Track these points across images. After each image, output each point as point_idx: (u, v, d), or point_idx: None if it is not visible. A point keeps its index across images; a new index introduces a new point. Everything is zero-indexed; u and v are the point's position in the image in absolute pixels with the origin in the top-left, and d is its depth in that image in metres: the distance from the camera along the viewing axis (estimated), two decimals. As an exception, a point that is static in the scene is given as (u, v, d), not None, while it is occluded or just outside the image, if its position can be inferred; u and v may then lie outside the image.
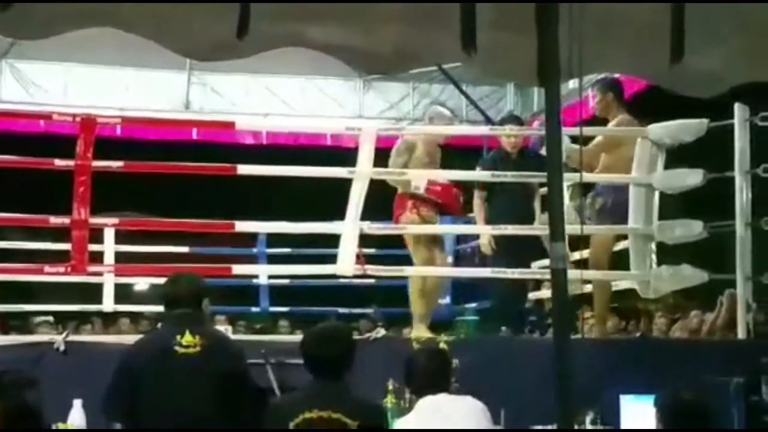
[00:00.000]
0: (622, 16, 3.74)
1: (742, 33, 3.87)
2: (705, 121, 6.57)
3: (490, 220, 7.26)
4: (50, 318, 9.02)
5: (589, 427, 5.39)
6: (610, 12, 3.71)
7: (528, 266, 7.04)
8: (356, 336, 6.20)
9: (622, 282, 7.03)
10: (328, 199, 6.65)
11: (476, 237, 8.87)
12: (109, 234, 7.93)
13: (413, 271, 6.89)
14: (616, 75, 6.95)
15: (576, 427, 4.56)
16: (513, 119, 7.94)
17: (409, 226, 6.84)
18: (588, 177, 6.64)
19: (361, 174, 6.35)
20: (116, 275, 7.75)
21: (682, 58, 3.67)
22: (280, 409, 3.94)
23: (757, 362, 4.99)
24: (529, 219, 7.22)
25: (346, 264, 6.29)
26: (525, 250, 6.96)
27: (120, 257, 8.09)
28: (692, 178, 6.58)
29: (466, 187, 7.37)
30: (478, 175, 7.20)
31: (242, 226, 6.61)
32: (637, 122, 6.93)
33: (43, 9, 3.39)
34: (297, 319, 9.88)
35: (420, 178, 6.82)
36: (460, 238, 9.34)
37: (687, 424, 3.69)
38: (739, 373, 5.58)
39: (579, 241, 6.56)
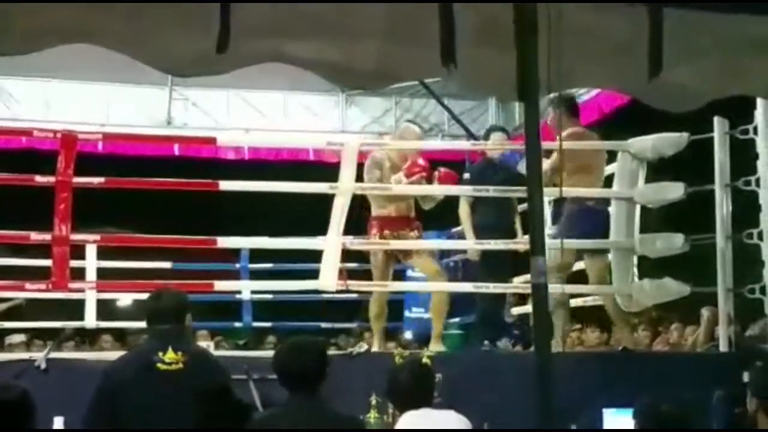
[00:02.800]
0: (600, 31, 3.78)
1: (719, 48, 3.91)
2: (685, 134, 6.60)
3: (474, 227, 7.29)
4: (23, 337, 8.99)
5: (572, 440, 5.41)
6: (588, 28, 3.74)
7: (510, 279, 7.08)
8: (337, 351, 6.23)
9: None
10: (311, 214, 6.65)
11: (459, 251, 8.90)
12: (90, 250, 7.90)
13: (395, 286, 6.89)
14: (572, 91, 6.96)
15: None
16: (500, 129, 7.96)
17: (392, 242, 6.86)
18: (568, 191, 6.66)
19: (344, 189, 6.36)
20: (98, 291, 7.71)
21: (661, 73, 3.71)
22: (259, 428, 3.92)
23: (739, 375, 5.01)
24: (512, 229, 7.28)
25: (328, 279, 6.29)
26: (506, 263, 7.00)
27: (102, 273, 8.06)
28: (673, 191, 6.61)
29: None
30: (461, 189, 7.22)
31: (224, 241, 6.61)
32: (591, 133, 6.98)
33: (23, 25, 3.39)
34: (283, 335, 9.86)
35: (405, 189, 6.82)
36: (443, 253, 9.34)
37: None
38: (720, 386, 5.60)
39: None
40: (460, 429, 4.24)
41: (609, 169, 7.04)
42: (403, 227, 6.90)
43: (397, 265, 8.22)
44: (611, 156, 7.01)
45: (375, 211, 6.91)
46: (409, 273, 9.38)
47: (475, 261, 7.33)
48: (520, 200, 7.09)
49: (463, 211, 7.40)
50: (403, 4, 3.57)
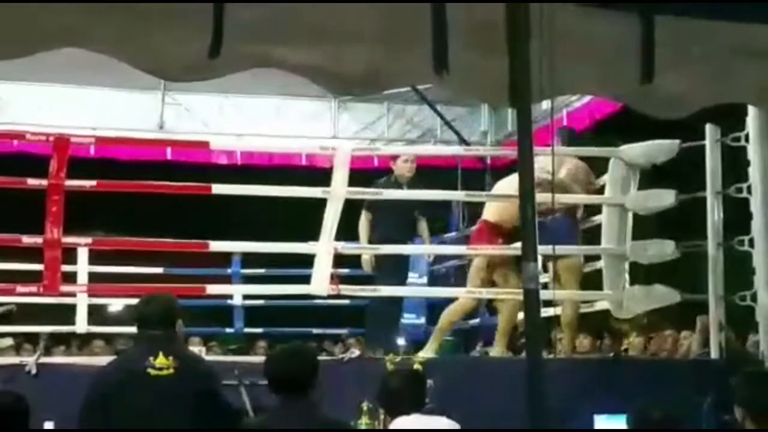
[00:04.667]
0: (592, 38, 3.78)
1: (710, 55, 3.92)
2: (676, 141, 6.63)
3: (373, 240, 7.38)
4: (11, 341, 8.95)
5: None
6: (580, 35, 3.75)
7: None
8: (328, 357, 6.22)
9: (596, 302, 7.06)
10: (303, 219, 6.64)
11: (450, 257, 8.92)
12: (82, 254, 7.88)
13: (386, 291, 6.89)
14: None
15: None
16: None
17: (381, 246, 6.87)
18: (560, 198, 6.66)
19: (336, 194, 6.36)
20: (89, 295, 7.69)
21: (652, 80, 3.72)
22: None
23: (729, 381, 5.02)
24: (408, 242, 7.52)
25: (320, 284, 6.29)
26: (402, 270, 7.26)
27: (93, 277, 8.04)
28: (664, 198, 6.63)
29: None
30: (452, 195, 7.24)
31: (217, 245, 6.60)
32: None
33: (13, 29, 3.39)
34: (275, 340, 9.85)
35: (395, 194, 6.85)
36: (436, 258, 9.34)
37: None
38: (711, 392, 5.61)
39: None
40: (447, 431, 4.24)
41: (604, 177, 7.05)
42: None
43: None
44: (603, 163, 7.03)
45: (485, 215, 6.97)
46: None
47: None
48: None
49: (362, 224, 7.43)
50: (396, 10, 3.58)
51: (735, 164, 6.72)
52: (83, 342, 10.08)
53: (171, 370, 4.21)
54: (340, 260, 6.55)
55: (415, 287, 9.08)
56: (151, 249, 6.88)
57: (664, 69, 3.72)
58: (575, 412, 5.49)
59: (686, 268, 7.08)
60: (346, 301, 7.80)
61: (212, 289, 6.97)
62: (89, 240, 6.78)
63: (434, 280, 9.24)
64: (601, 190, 7.07)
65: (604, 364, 6.87)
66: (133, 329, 4.65)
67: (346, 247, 6.50)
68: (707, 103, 4.13)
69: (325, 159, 7.92)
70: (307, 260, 6.43)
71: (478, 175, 9.93)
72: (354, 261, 7.56)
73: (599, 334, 9.30)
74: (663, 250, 6.60)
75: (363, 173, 7.06)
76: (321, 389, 3.94)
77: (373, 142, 10.39)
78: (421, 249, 8.08)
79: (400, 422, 4.24)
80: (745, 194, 6.50)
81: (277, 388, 3.91)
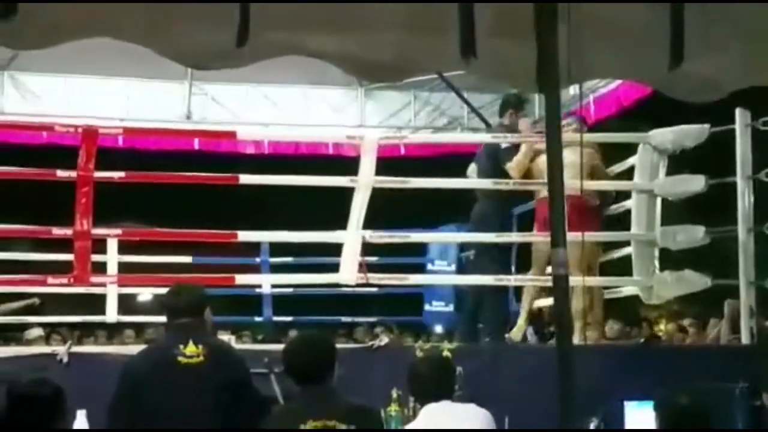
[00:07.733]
0: (621, 22, 3.75)
1: (740, 38, 3.88)
2: (706, 126, 6.57)
3: None
4: (41, 331, 9.02)
5: (592, 433, 5.39)
6: (609, 18, 3.72)
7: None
8: (357, 345, 6.23)
9: (625, 288, 7.03)
10: (331, 208, 6.64)
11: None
12: (111, 244, 7.92)
13: (414, 279, 6.88)
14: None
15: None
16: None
17: (412, 234, 6.84)
18: (588, 185, 6.61)
19: (363, 183, 6.35)
20: (119, 286, 7.73)
21: (681, 64, 3.68)
22: (277, 423, 3.93)
23: (760, 367, 4.98)
24: None
25: (348, 272, 6.29)
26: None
27: (123, 268, 8.08)
28: (694, 183, 6.58)
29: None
30: (479, 183, 7.19)
31: (245, 235, 6.62)
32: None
33: (43, 19, 3.40)
34: (305, 329, 9.85)
35: (420, 182, 6.80)
36: (463, 247, 9.33)
37: (686, 427, 3.69)
38: (743, 379, 5.57)
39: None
40: (479, 430, 4.23)
41: (630, 161, 7.02)
42: None
43: (418, 258, 8.24)
44: (632, 148, 6.98)
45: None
46: (429, 266, 9.40)
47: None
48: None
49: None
50: (422, -5, 3.57)
51: (766, 148, 6.66)
52: (111, 332, 10.14)
53: (201, 358, 4.24)
54: (368, 249, 6.54)
55: (444, 275, 9.09)
56: (179, 239, 6.92)
57: (694, 52, 3.68)
58: (605, 399, 5.47)
59: (716, 253, 7.03)
60: (375, 290, 7.79)
61: (241, 279, 6.99)
62: (118, 231, 6.82)
63: (463, 267, 9.23)
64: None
65: (634, 350, 6.84)
66: (162, 319, 4.68)
67: (374, 236, 6.48)
68: (738, 86, 4.08)
69: (351, 148, 7.92)
70: (335, 249, 6.44)
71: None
72: (382, 249, 7.55)
73: (629, 320, 9.25)
74: (693, 235, 6.56)
75: (390, 162, 7.04)
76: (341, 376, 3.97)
77: (399, 130, 10.37)
78: (448, 237, 8.06)
79: (429, 409, 4.24)
80: (775, 179, 6.45)
81: (297, 377, 3.94)
